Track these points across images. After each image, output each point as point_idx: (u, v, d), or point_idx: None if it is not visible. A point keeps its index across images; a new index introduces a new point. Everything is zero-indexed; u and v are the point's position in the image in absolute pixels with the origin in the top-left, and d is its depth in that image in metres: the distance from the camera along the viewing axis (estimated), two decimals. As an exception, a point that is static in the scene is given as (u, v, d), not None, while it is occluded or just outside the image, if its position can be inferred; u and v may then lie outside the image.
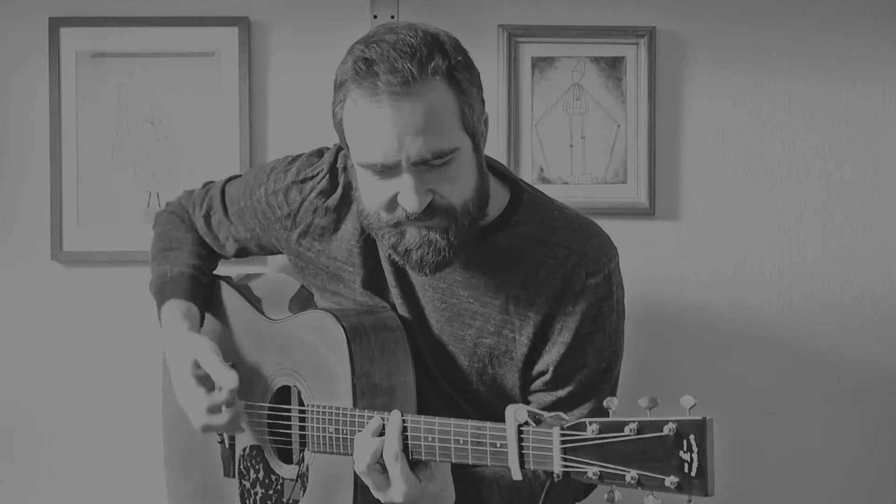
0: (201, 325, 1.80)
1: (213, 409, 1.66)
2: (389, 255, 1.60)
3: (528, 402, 1.65)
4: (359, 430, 1.53)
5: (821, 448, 2.38)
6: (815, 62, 2.36)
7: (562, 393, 1.62)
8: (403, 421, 1.46)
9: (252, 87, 2.33)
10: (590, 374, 1.62)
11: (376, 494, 1.48)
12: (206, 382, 1.67)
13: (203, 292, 1.83)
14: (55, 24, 2.31)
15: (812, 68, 2.35)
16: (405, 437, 1.46)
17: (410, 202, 1.47)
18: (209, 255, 1.89)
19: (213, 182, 1.93)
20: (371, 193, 1.52)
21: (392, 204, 1.50)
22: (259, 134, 2.34)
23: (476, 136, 1.53)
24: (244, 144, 2.31)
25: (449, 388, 1.67)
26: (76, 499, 2.36)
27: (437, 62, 1.45)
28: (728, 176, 2.36)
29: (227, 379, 1.64)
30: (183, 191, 1.98)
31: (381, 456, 1.46)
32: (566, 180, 2.33)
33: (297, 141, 2.27)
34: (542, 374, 1.63)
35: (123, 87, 2.33)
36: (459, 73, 1.48)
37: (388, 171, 1.47)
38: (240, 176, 1.89)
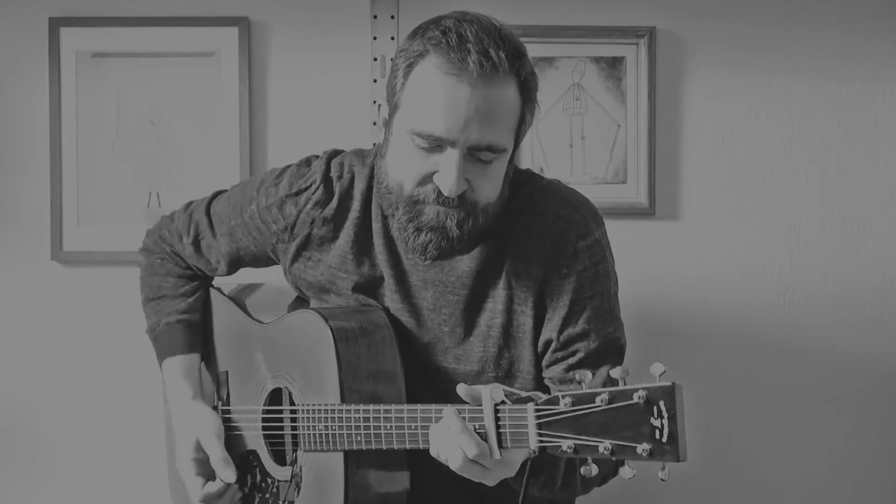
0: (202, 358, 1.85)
1: (207, 499, 1.74)
2: (386, 234, 1.61)
3: (544, 383, 1.66)
4: (346, 426, 1.54)
5: (820, 447, 2.38)
6: (815, 62, 2.35)
7: (573, 360, 1.62)
8: (458, 412, 1.42)
9: (252, 87, 2.33)
10: (598, 339, 1.62)
11: (482, 480, 1.44)
12: (205, 467, 1.75)
13: (196, 332, 1.85)
14: (55, 24, 2.31)
15: (812, 68, 2.35)
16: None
17: (449, 183, 1.49)
18: (193, 290, 1.87)
19: (193, 202, 1.89)
20: (408, 164, 1.52)
21: (425, 180, 1.51)
22: (259, 134, 2.34)
23: (517, 146, 1.57)
24: (244, 144, 2.31)
25: (456, 380, 1.66)
26: (77, 499, 2.36)
27: (521, 63, 1.50)
28: (728, 176, 2.36)
29: (226, 475, 1.72)
30: (161, 217, 1.93)
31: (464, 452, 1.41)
32: (566, 180, 2.31)
33: (297, 141, 2.28)
34: (550, 343, 1.63)
35: (123, 87, 2.33)
36: (531, 83, 1.53)
37: (438, 146, 1.48)
38: (223, 192, 1.86)
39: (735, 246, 2.37)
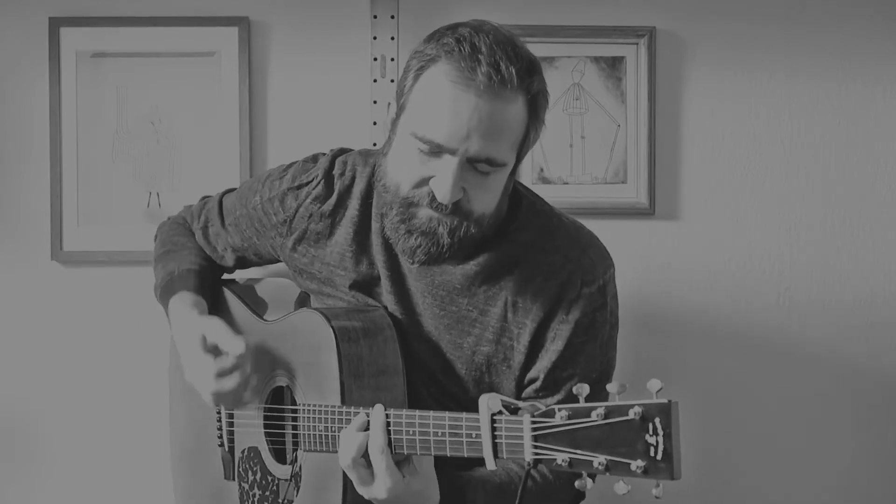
0: None
1: (222, 374, 1.62)
2: (385, 235, 1.61)
3: None
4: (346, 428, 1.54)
5: (819, 446, 2.38)
6: (815, 62, 2.35)
7: (551, 401, 1.62)
8: (386, 416, 1.47)
9: (252, 87, 2.33)
10: (579, 384, 1.63)
11: (360, 490, 1.49)
12: (215, 353, 1.64)
13: (209, 289, 1.83)
14: (55, 24, 2.31)
15: (812, 68, 2.35)
16: (388, 432, 1.47)
17: (444, 191, 1.48)
18: (210, 259, 1.89)
19: (209, 196, 1.94)
20: (407, 166, 1.52)
21: (422, 183, 1.51)
22: (259, 134, 2.34)
23: (519, 162, 1.57)
24: (244, 144, 2.31)
25: (445, 390, 1.67)
26: (77, 499, 2.36)
27: (532, 82, 1.49)
28: (728, 176, 2.36)
29: (234, 345, 1.61)
30: (183, 206, 2.00)
31: (367, 451, 1.47)
32: (566, 180, 2.33)
33: (297, 141, 2.28)
34: (534, 381, 1.64)
35: (123, 87, 2.33)
36: (541, 102, 1.53)
37: (437, 153, 1.48)
38: (236, 188, 1.90)
39: (735, 246, 2.37)
